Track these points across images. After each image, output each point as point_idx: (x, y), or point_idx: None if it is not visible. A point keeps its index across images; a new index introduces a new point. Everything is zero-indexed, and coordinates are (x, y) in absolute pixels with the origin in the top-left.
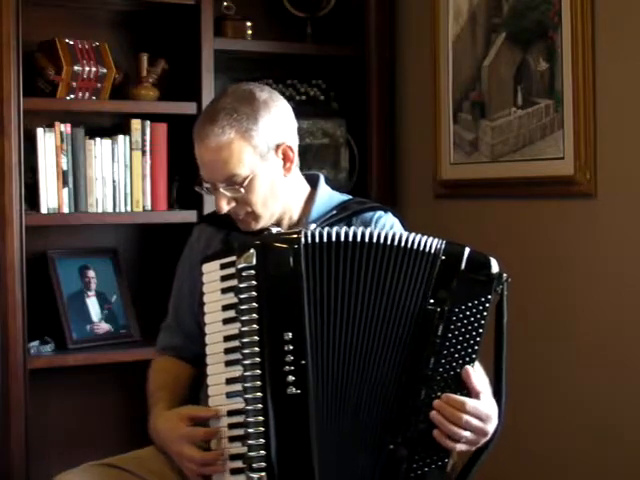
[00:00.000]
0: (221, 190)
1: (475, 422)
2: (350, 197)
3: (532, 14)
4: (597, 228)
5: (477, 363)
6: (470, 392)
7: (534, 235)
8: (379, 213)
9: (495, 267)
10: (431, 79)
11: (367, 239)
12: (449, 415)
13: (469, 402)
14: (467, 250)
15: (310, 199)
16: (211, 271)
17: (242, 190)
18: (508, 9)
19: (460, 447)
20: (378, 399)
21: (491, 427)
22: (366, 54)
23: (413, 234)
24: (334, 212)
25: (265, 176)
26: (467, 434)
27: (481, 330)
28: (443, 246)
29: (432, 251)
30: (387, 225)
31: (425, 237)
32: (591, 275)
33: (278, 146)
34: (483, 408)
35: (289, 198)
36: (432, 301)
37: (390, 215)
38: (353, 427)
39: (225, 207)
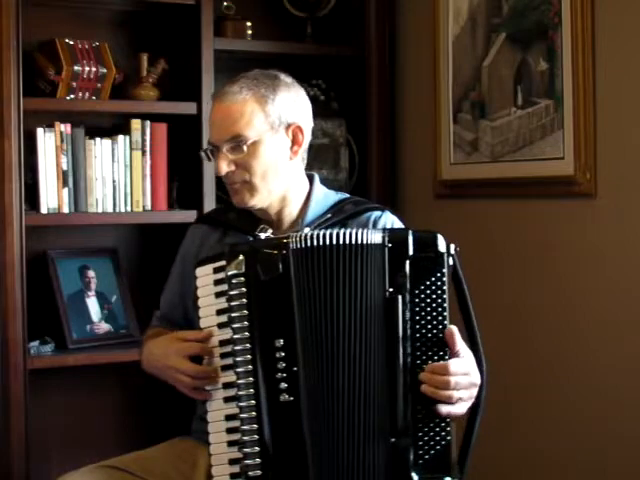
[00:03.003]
0: (224, 151)
1: (463, 379)
2: (346, 196)
3: (532, 14)
4: (597, 228)
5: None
6: (451, 353)
7: (534, 235)
8: (376, 213)
9: (441, 242)
10: (431, 79)
11: (342, 240)
12: (438, 382)
13: (452, 363)
14: (411, 233)
15: (307, 198)
16: (204, 275)
17: (245, 149)
18: (508, 9)
19: (458, 408)
20: (370, 397)
21: (477, 377)
22: (366, 54)
23: (355, 230)
24: (329, 215)
25: (270, 147)
26: (460, 393)
27: (445, 305)
28: (387, 235)
29: (377, 242)
30: (388, 224)
31: (369, 230)
32: (591, 275)
33: (290, 125)
34: (465, 363)
35: (291, 186)
36: (391, 290)
37: (388, 214)
38: (350, 429)
39: (225, 168)
